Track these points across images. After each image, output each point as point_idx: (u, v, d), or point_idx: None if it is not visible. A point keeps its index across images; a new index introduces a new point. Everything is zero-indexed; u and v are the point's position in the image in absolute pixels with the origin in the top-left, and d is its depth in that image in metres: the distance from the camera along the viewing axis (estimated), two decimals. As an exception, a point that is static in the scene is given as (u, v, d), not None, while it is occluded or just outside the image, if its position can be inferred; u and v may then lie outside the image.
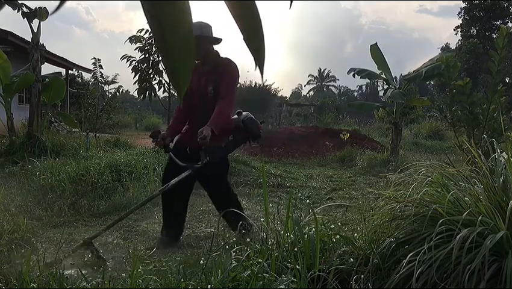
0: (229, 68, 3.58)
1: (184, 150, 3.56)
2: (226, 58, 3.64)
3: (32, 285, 2.28)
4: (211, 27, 3.60)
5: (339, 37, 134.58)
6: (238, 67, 3.63)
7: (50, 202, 4.61)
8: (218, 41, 3.63)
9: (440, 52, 16.24)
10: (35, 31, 7.97)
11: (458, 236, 1.78)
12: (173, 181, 3.32)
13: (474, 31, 34.80)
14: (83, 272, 2.34)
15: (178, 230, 3.64)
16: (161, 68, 9.72)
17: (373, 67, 9.43)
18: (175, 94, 9.38)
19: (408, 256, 1.88)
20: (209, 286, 1.97)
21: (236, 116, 3.62)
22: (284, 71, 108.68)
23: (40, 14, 7.68)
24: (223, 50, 3.73)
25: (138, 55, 9.70)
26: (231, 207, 3.67)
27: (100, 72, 12.93)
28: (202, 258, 2.29)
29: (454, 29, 35.71)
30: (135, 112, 29.79)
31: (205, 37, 3.50)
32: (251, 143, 3.77)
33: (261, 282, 1.97)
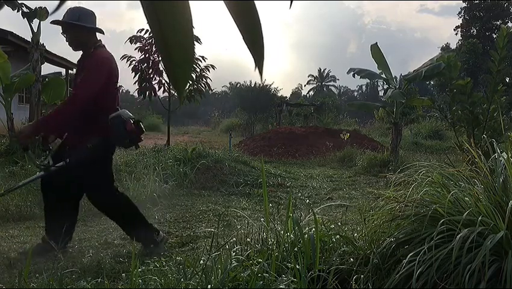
0: (93, 60, 3.16)
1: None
2: (102, 51, 3.23)
3: (32, 285, 2.28)
4: (91, 14, 3.23)
5: (342, 37, 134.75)
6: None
7: (50, 202, 4.60)
8: (93, 30, 3.23)
9: (440, 51, 16.25)
10: (35, 30, 7.97)
11: (458, 236, 1.78)
12: (24, 181, 3.10)
13: (474, 30, 34.79)
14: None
15: (60, 237, 2.98)
16: (161, 68, 9.73)
17: (374, 67, 9.43)
18: (175, 94, 9.39)
19: (408, 256, 1.88)
20: (209, 286, 1.97)
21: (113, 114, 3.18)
22: (286, 71, 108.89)
23: (40, 14, 7.67)
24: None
25: (138, 55, 9.73)
26: (115, 217, 3.38)
27: (100, 72, 12.91)
28: (202, 258, 2.29)
29: (454, 29, 35.74)
30: (135, 112, 29.76)
31: (74, 25, 3.14)
32: (132, 146, 3.31)
33: (261, 282, 1.97)
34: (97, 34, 3.28)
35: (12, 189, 3.18)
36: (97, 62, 3.15)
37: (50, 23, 3.27)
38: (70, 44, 3.25)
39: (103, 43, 3.30)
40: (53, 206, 3.26)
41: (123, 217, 3.36)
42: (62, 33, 3.25)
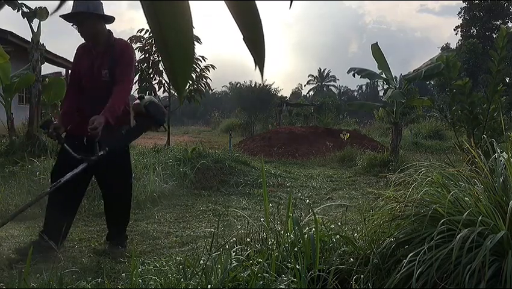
0: (126, 49, 3.27)
1: (80, 142, 3.16)
2: (121, 39, 3.35)
3: (32, 285, 2.28)
4: (101, 3, 3.25)
5: (343, 36, 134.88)
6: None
7: (50, 202, 4.60)
8: (110, 19, 3.30)
9: (440, 51, 16.26)
10: (35, 30, 7.97)
11: (458, 236, 1.78)
12: (68, 175, 2.91)
13: (474, 30, 34.77)
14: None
15: (60, 234, 2.95)
16: (161, 68, 9.74)
17: (376, 67, 9.43)
18: (175, 94, 9.39)
19: (408, 256, 1.88)
20: (209, 286, 1.97)
21: (138, 101, 3.31)
22: (287, 71, 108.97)
23: (40, 14, 7.67)
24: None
25: (138, 55, 9.73)
26: (124, 211, 3.42)
27: (100, 72, 12.91)
28: (202, 258, 2.29)
29: (454, 29, 35.74)
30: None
31: (92, 14, 3.15)
32: (156, 129, 3.57)
33: (261, 282, 1.97)
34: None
35: (56, 185, 3.08)
36: (130, 54, 3.26)
37: (69, 15, 3.21)
38: (85, 35, 3.23)
39: None
40: (57, 204, 3.21)
41: (126, 213, 3.46)
42: (76, 24, 3.22)
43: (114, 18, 3.32)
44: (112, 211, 3.45)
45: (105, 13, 3.24)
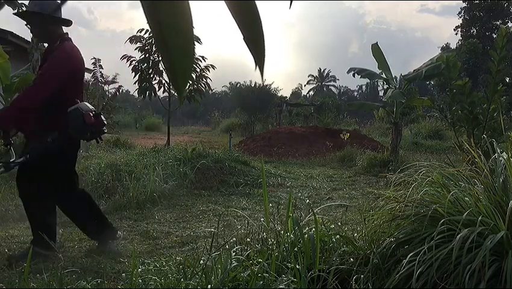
0: (57, 52, 3.04)
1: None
2: (67, 43, 3.11)
3: (32, 285, 2.28)
4: (58, 5, 3.12)
5: (344, 36, 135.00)
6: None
7: (50, 202, 4.60)
8: (66, 22, 3.15)
9: (440, 51, 16.25)
10: (35, 30, 7.95)
11: (458, 236, 1.78)
12: None
13: (474, 30, 34.80)
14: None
15: (49, 237, 2.82)
16: (161, 68, 9.74)
17: (375, 67, 9.42)
18: (175, 94, 9.39)
19: (408, 256, 1.88)
20: (209, 286, 1.97)
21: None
22: (288, 71, 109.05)
23: (40, 14, 7.67)
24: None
25: (138, 55, 9.73)
26: (77, 211, 3.24)
27: (100, 72, 12.93)
28: (202, 258, 2.29)
29: (454, 29, 35.77)
30: (135, 112, 29.85)
31: (45, 15, 3.01)
32: (93, 139, 3.17)
33: (261, 282, 1.97)
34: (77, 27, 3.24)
35: None
36: (60, 58, 3.04)
37: (16, 14, 3.13)
38: (36, 35, 3.15)
39: (70, 37, 3.19)
40: (30, 205, 3.15)
41: (86, 217, 3.31)
42: (28, 24, 3.10)
43: (71, 22, 3.17)
44: (66, 212, 3.35)
45: (61, 15, 3.11)
